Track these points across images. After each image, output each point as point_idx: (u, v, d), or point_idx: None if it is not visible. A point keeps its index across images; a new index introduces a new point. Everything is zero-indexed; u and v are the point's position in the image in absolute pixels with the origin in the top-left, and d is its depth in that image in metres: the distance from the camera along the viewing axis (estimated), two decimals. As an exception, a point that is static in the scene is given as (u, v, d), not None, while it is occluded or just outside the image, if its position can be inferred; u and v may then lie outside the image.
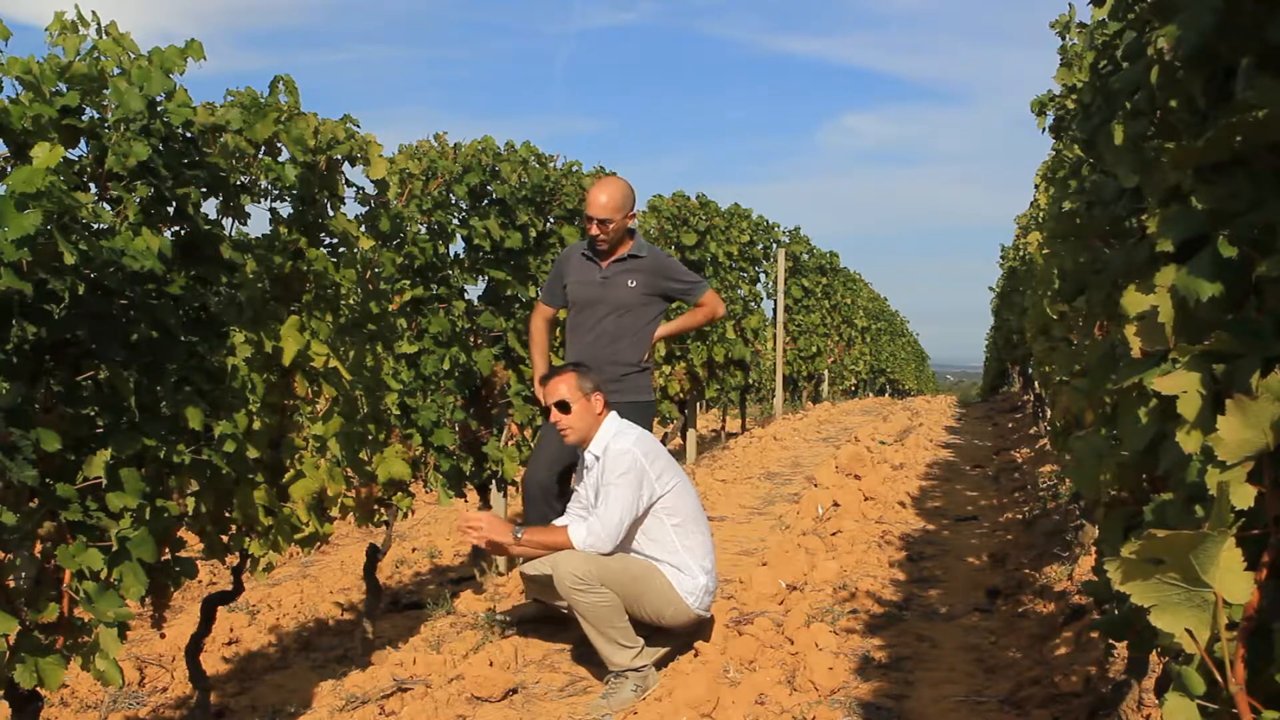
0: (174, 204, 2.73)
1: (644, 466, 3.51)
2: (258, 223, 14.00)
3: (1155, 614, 1.04)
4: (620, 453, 3.49)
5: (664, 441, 9.82)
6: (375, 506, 4.08)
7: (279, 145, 3.27)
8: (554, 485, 4.20)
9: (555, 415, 3.58)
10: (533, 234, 5.24)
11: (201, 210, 2.83)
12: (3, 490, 2.22)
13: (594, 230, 4.08)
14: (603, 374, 4.01)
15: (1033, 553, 5.23)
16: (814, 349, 14.90)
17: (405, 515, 4.36)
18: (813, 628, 3.81)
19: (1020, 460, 8.96)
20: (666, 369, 8.53)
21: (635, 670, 3.40)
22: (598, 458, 3.58)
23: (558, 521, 3.72)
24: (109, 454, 2.36)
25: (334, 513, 3.63)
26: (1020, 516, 6.39)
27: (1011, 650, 3.77)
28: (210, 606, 3.52)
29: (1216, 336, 1.19)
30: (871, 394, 21.30)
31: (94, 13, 2.57)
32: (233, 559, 3.35)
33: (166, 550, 2.77)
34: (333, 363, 3.41)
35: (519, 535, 3.44)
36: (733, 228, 10.14)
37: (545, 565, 3.55)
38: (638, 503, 3.48)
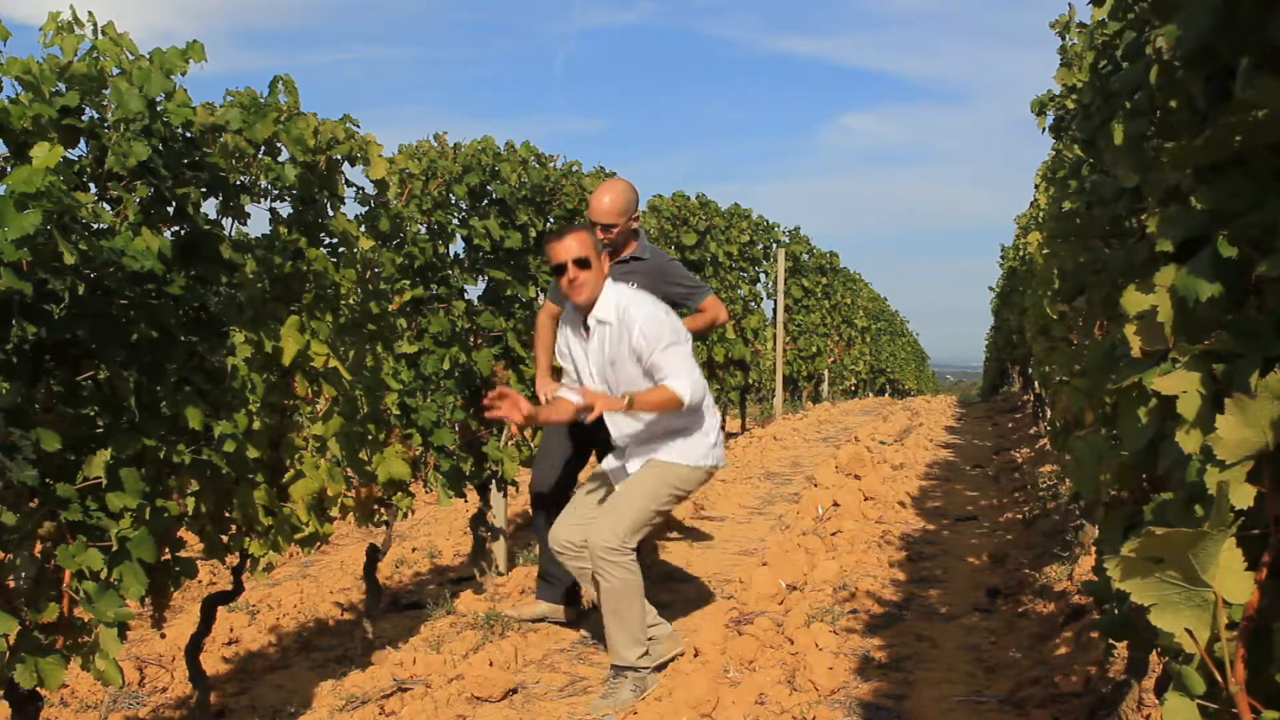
0: (174, 204, 2.73)
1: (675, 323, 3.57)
2: (258, 223, 13.99)
3: (1155, 613, 1.04)
4: (654, 318, 3.51)
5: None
6: (375, 506, 4.08)
7: (279, 145, 3.27)
8: (565, 489, 4.19)
9: (573, 271, 3.50)
10: (532, 234, 5.24)
11: (201, 210, 2.83)
12: (3, 490, 2.21)
13: (598, 235, 4.06)
14: None
15: (1033, 553, 5.23)
16: (814, 349, 14.90)
17: (405, 515, 4.36)
18: (813, 628, 3.81)
19: (1020, 460, 8.95)
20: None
21: (635, 671, 3.41)
22: (601, 322, 3.55)
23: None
24: (109, 454, 2.36)
25: (334, 513, 3.63)
26: (1020, 516, 6.39)
27: (1011, 650, 3.77)
28: (210, 606, 3.52)
29: (1216, 336, 1.19)
30: (871, 394, 21.30)
31: (90, 13, 2.56)
32: (233, 559, 3.35)
33: (166, 550, 2.77)
34: (333, 363, 3.41)
35: (628, 401, 3.40)
36: (733, 228, 10.14)
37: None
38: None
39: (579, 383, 3.70)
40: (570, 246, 3.50)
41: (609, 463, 3.77)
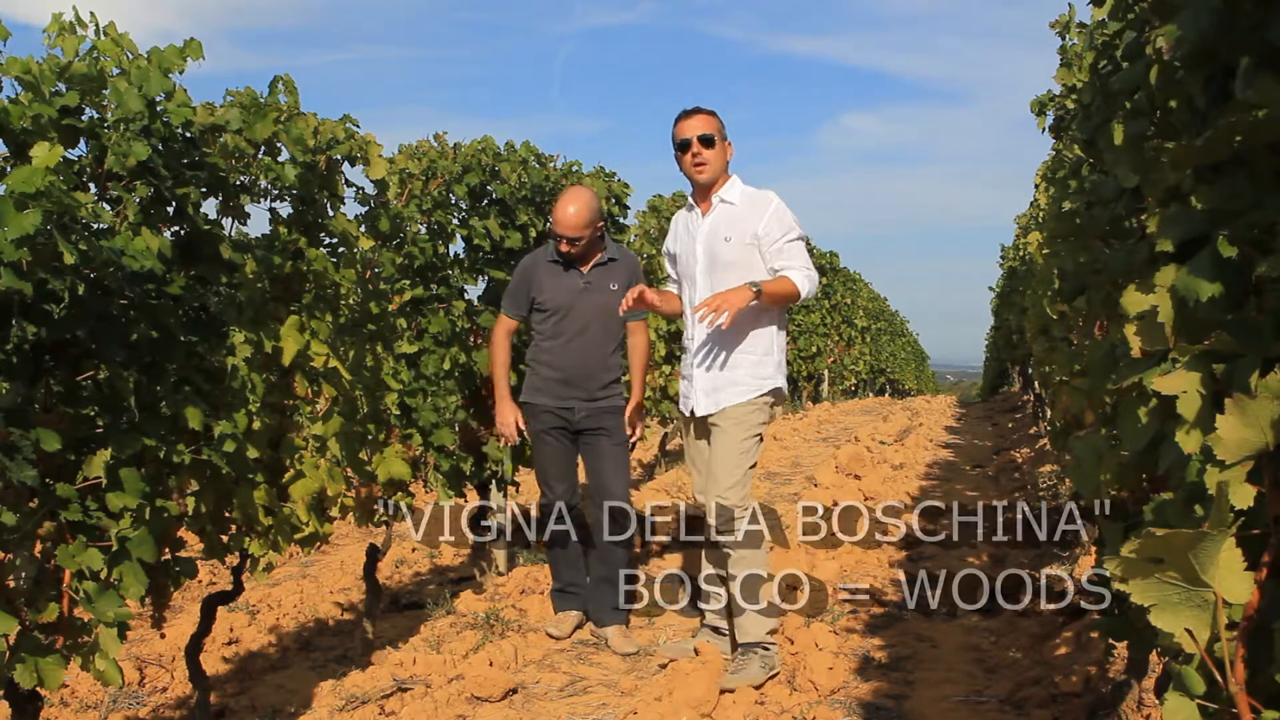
0: (174, 204, 2.73)
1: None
2: (258, 223, 13.98)
3: (1155, 613, 1.04)
4: (786, 208, 3.53)
5: (665, 441, 9.69)
6: (375, 506, 4.08)
7: (279, 145, 3.27)
8: (574, 502, 4.17)
9: (697, 148, 3.48)
10: (533, 234, 5.24)
11: (201, 210, 2.83)
12: (3, 490, 2.21)
13: (565, 248, 3.93)
14: (594, 380, 3.98)
15: (1033, 553, 5.23)
16: (814, 349, 14.90)
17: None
18: (813, 628, 3.81)
19: (1020, 460, 8.96)
20: (666, 369, 8.53)
21: (764, 648, 3.43)
22: (725, 201, 3.55)
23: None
24: (109, 454, 2.36)
25: (334, 513, 3.63)
26: (1020, 516, 6.38)
27: (1011, 650, 3.77)
28: (210, 606, 3.52)
29: (1216, 336, 1.19)
30: (871, 394, 21.30)
31: (92, 14, 2.57)
32: (233, 559, 3.35)
33: (166, 550, 2.77)
34: (333, 363, 3.40)
35: (757, 289, 3.36)
36: (733, 228, 10.13)
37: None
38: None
39: (678, 283, 3.71)
40: (696, 125, 3.50)
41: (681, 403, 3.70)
